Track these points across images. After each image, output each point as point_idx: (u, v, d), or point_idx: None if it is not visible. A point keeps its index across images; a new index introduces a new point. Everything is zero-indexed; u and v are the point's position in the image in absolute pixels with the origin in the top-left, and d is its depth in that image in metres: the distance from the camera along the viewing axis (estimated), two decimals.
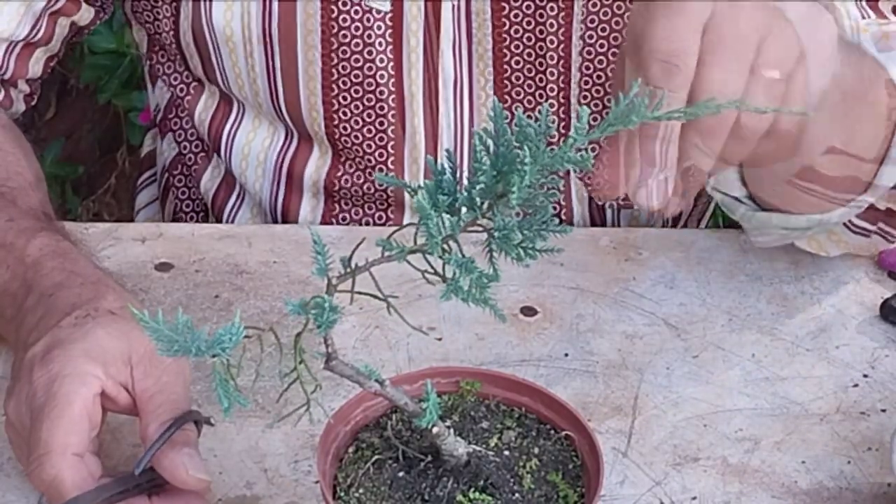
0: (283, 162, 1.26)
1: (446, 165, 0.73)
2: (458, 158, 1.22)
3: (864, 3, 1.14)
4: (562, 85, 1.19)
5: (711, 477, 0.91)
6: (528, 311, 1.06)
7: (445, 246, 0.73)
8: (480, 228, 0.74)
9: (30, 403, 0.86)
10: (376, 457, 0.82)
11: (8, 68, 1.18)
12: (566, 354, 1.02)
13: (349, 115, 1.20)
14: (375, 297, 0.77)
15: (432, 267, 0.74)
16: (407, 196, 1.24)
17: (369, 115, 1.20)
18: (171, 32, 1.24)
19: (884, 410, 0.97)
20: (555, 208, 1.22)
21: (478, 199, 0.72)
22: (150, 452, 0.84)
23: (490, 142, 0.72)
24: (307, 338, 0.76)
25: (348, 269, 0.75)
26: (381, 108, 1.20)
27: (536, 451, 0.83)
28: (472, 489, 0.80)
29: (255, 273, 1.09)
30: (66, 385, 0.86)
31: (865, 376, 1.01)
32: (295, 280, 1.09)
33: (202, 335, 0.70)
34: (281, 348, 0.77)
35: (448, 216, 0.72)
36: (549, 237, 0.73)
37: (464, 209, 0.73)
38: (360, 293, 0.76)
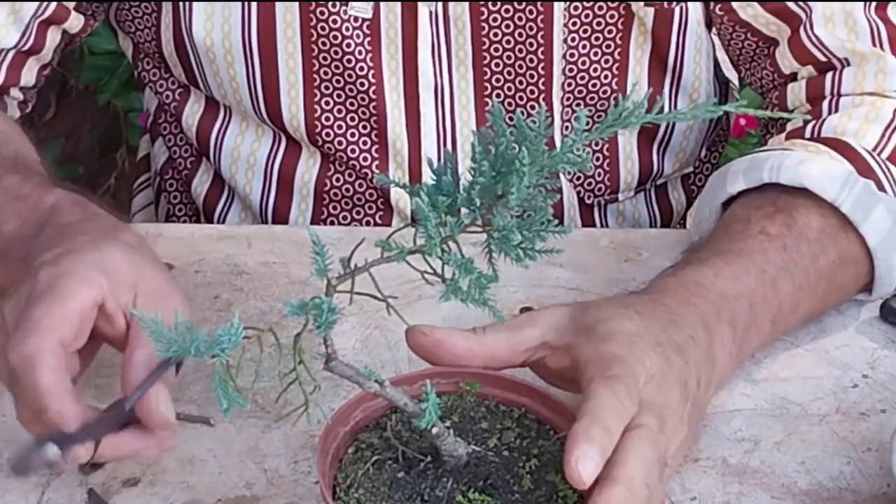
0: (272, 165, 1.26)
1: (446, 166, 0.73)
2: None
3: (871, 12, 1.14)
4: (542, 88, 1.20)
5: (711, 477, 0.91)
6: (528, 311, 1.06)
7: (445, 247, 0.73)
8: (479, 229, 0.74)
9: (28, 294, 0.85)
10: (376, 457, 0.82)
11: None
12: None
13: (332, 120, 1.20)
14: (375, 297, 0.77)
15: (431, 267, 0.74)
16: (395, 200, 1.24)
17: (352, 120, 1.20)
18: (154, 42, 1.24)
19: (883, 411, 0.97)
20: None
21: (477, 200, 0.72)
22: (142, 389, 0.83)
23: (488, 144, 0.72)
24: (307, 338, 0.76)
25: (347, 270, 0.75)
26: (364, 113, 1.20)
27: (536, 451, 0.83)
28: (472, 489, 0.80)
29: (255, 273, 1.09)
30: (69, 282, 0.85)
31: (865, 377, 1.01)
32: (295, 280, 1.09)
33: (201, 336, 0.70)
34: (280, 349, 0.77)
35: (447, 217, 0.72)
36: (548, 238, 0.73)
37: (463, 210, 0.73)
38: (359, 294, 0.76)
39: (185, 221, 1.35)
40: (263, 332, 0.77)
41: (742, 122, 2.70)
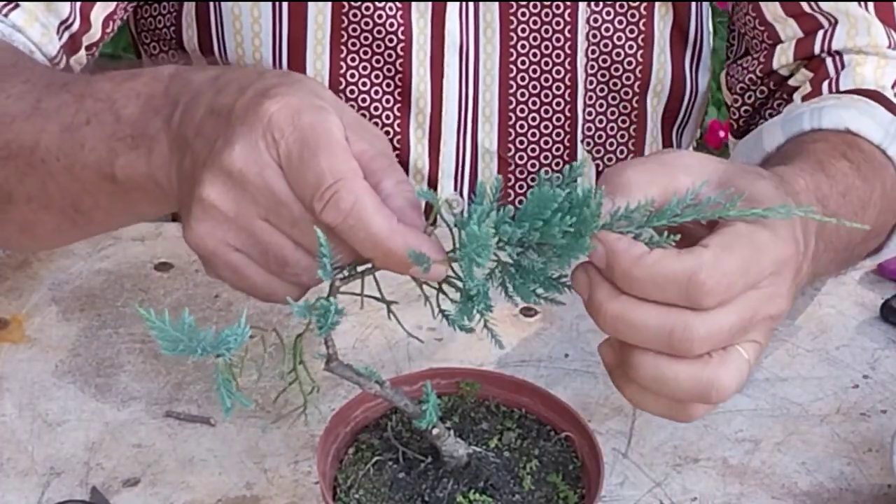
0: None
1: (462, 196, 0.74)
2: (462, 126, 1.22)
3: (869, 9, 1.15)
4: (568, 52, 1.20)
5: (712, 478, 0.91)
6: (528, 311, 1.06)
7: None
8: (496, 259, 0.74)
9: (272, 144, 0.76)
10: (376, 458, 0.82)
11: (75, 19, 1.13)
12: (566, 355, 1.02)
13: (357, 76, 1.20)
14: (376, 299, 0.77)
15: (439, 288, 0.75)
16: (413, 160, 1.23)
17: (377, 77, 1.20)
18: (172, 2, 1.23)
19: (884, 411, 0.97)
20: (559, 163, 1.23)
21: (518, 239, 0.73)
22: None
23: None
24: (308, 338, 0.76)
25: (352, 273, 0.76)
26: (389, 70, 1.20)
27: (536, 452, 0.83)
28: (473, 490, 0.80)
29: None
30: (314, 116, 0.76)
31: (865, 377, 1.01)
32: None
33: (207, 335, 0.70)
34: (284, 349, 0.78)
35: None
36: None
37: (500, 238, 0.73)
38: (360, 295, 0.76)
39: None
40: (266, 331, 0.77)
41: (721, 133, 2.71)
